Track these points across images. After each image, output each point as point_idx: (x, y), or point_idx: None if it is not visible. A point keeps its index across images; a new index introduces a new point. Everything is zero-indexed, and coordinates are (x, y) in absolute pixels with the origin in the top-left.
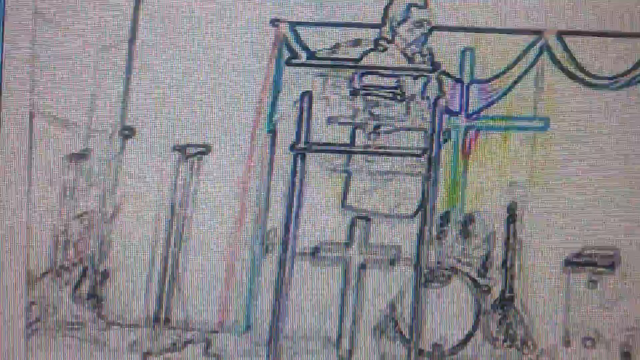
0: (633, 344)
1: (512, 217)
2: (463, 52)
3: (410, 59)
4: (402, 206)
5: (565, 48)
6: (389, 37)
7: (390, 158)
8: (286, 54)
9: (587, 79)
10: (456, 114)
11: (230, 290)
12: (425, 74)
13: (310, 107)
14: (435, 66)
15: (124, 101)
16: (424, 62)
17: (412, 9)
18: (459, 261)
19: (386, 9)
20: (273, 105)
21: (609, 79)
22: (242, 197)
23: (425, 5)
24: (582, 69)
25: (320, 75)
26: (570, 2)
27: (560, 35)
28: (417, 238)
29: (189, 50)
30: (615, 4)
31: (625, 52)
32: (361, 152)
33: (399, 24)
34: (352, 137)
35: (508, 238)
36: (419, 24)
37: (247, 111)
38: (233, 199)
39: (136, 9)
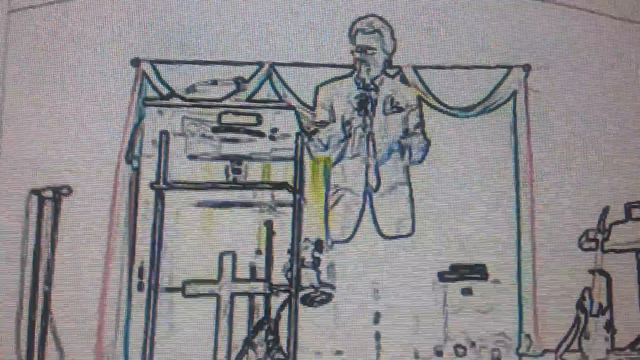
0: (502, 348)
1: None
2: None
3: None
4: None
5: (421, 80)
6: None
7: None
8: (151, 92)
9: (443, 108)
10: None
11: (105, 328)
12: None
13: (167, 146)
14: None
15: None
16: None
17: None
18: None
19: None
20: (134, 143)
21: (463, 108)
22: (109, 235)
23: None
24: (437, 100)
25: (184, 117)
26: (424, 38)
27: (416, 69)
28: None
29: (50, 92)
30: (466, 39)
31: (478, 84)
32: (221, 188)
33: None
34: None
35: None
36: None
37: (110, 150)
38: (99, 237)
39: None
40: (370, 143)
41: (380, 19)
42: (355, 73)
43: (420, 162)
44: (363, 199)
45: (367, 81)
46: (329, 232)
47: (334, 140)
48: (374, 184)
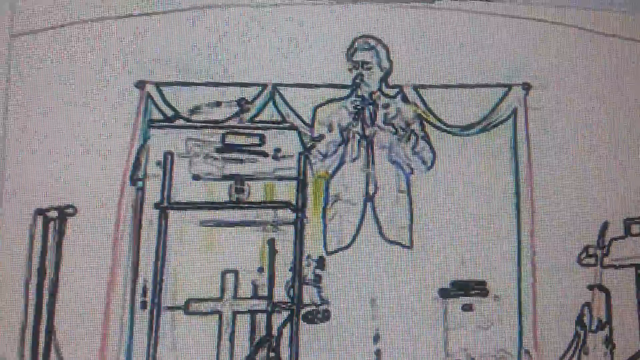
0: None
1: None
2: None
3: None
4: None
5: (422, 100)
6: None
7: None
8: (156, 114)
9: (444, 127)
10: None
11: (108, 346)
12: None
13: (172, 166)
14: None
15: None
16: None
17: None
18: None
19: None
20: (139, 164)
21: (464, 127)
22: (113, 255)
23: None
24: (438, 118)
25: (188, 138)
26: (424, 58)
27: (416, 88)
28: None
29: (54, 114)
30: (467, 58)
31: (478, 102)
32: (225, 207)
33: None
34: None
35: None
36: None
37: (115, 171)
38: (104, 256)
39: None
40: (370, 151)
41: (378, 40)
42: (353, 91)
43: (428, 167)
44: (363, 207)
45: (366, 96)
46: (328, 244)
47: (332, 146)
48: (372, 190)
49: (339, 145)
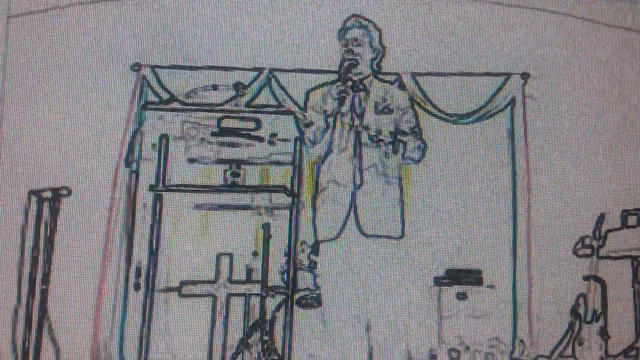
0: (496, 353)
1: None
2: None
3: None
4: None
5: (419, 87)
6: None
7: None
8: (152, 96)
9: (441, 115)
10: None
11: (101, 327)
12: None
13: (167, 149)
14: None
15: None
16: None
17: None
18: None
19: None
20: (134, 146)
21: (461, 115)
22: (107, 236)
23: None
24: (436, 106)
25: (184, 122)
26: (423, 46)
27: (414, 76)
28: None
29: (50, 95)
30: (465, 46)
31: (476, 91)
32: (220, 191)
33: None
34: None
35: None
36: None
37: (110, 153)
38: (97, 238)
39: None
40: (358, 142)
41: (370, 21)
42: (343, 71)
43: (417, 161)
44: (351, 198)
45: (356, 80)
46: (317, 232)
47: (319, 133)
48: (358, 181)
49: (324, 132)
